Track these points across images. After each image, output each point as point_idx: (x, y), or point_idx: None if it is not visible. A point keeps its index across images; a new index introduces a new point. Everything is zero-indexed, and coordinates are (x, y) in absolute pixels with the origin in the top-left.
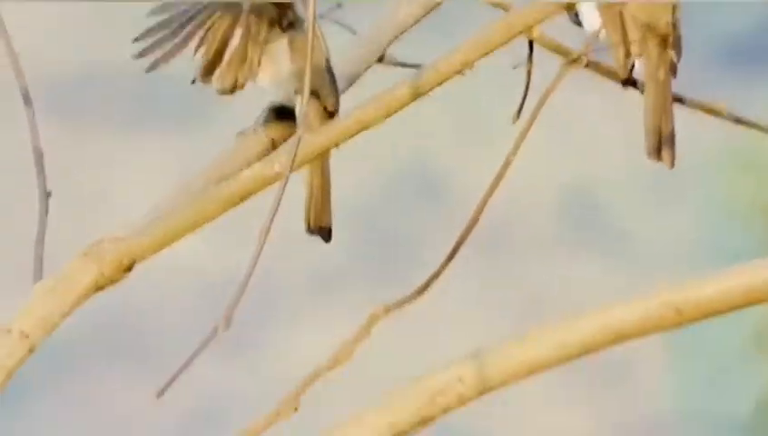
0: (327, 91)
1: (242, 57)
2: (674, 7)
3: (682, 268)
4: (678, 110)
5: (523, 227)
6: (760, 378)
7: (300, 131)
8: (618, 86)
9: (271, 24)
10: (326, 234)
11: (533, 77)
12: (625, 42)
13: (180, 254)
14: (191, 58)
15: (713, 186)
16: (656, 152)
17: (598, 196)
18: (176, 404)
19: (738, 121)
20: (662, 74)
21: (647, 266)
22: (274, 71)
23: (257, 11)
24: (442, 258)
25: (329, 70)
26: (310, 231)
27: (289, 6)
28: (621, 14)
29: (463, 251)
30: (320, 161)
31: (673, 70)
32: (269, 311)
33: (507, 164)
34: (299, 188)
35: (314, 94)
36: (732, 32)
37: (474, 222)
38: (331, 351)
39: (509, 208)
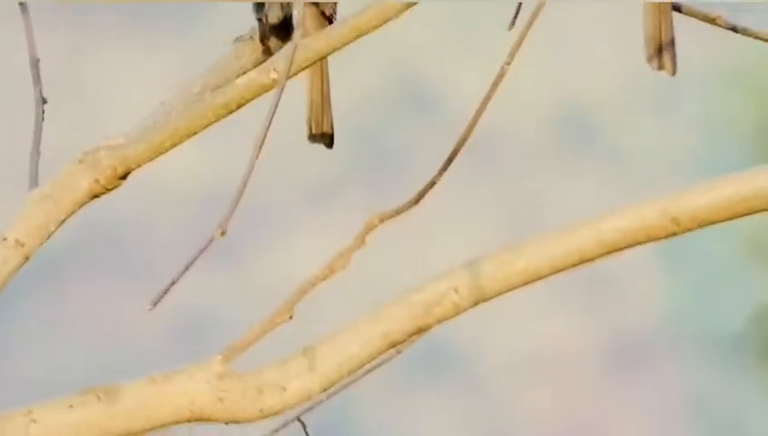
0: None
1: None
2: None
3: (677, 182)
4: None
5: (517, 140)
6: (751, 288)
7: (296, 37)
8: None
9: None
10: (328, 141)
11: None
12: None
13: (173, 164)
14: None
15: (707, 100)
16: (657, 58)
17: (593, 110)
18: (170, 315)
19: (734, 29)
20: None
21: (642, 180)
22: None
23: None
24: (437, 168)
25: None
26: (313, 137)
27: None
28: None
29: (457, 162)
30: (320, 66)
31: None
32: (264, 221)
33: (501, 74)
34: (294, 97)
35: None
36: None
37: (469, 132)
38: (326, 260)
39: (503, 120)
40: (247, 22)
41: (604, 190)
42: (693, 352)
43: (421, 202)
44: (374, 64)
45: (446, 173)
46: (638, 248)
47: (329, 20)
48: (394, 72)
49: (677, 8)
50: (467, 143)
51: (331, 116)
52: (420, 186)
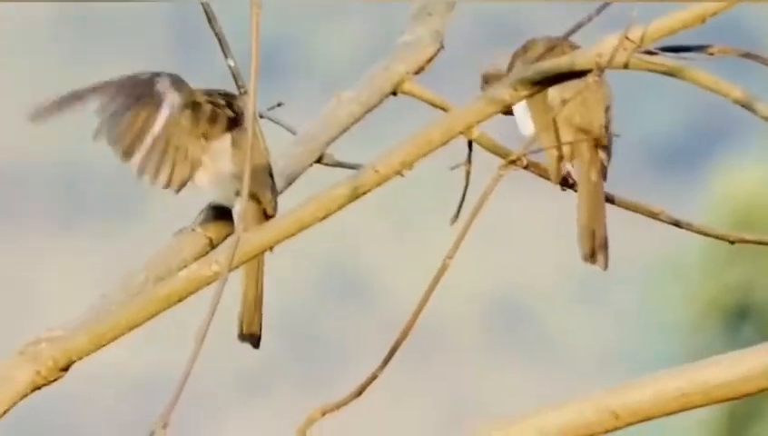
0: (266, 193)
1: (184, 154)
2: (607, 109)
3: (607, 374)
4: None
5: (450, 331)
6: None
7: (238, 230)
8: (555, 188)
9: (212, 120)
10: (256, 341)
11: (471, 178)
12: (558, 145)
13: (104, 353)
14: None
15: (639, 294)
16: (590, 254)
17: (527, 303)
18: None
19: (677, 224)
20: (594, 175)
21: (573, 371)
22: (215, 170)
23: (192, 106)
24: (373, 360)
25: (269, 172)
26: (242, 337)
27: (231, 102)
28: (554, 118)
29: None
30: (255, 269)
31: (603, 172)
32: (196, 412)
33: (443, 268)
34: (235, 289)
35: (253, 195)
36: (654, 135)
37: (411, 324)
38: None
39: (436, 312)
40: (177, 216)
41: (538, 380)
42: None
43: (362, 393)
44: (310, 251)
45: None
46: None
47: (270, 216)
48: (330, 260)
49: (611, 200)
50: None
51: (261, 317)
52: (354, 377)
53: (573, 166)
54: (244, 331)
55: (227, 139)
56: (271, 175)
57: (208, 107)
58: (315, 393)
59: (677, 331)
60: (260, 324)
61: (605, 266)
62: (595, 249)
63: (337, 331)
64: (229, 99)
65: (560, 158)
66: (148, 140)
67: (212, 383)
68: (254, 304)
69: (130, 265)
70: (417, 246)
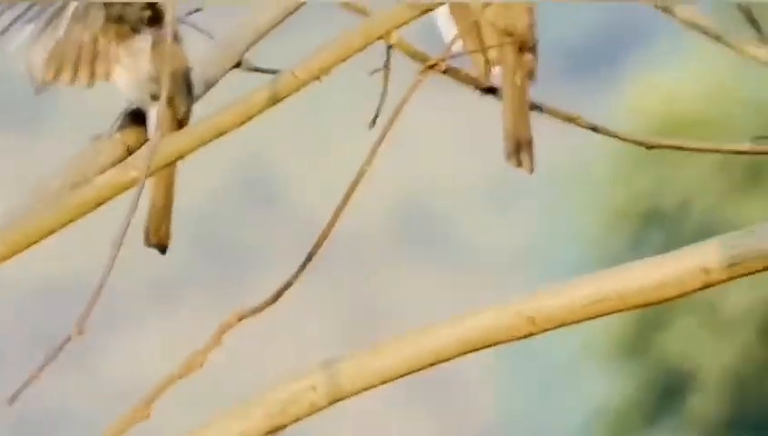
0: (181, 99)
1: (99, 52)
2: (531, 11)
3: (519, 280)
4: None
5: (365, 238)
6: (589, 391)
7: (155, 136)
8: (473, 94)
9: (135, 23)
10: (163, 249)
11: (389, 84)
12: (483, 48)
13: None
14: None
15: (552, 201)
16: (516, 156)
17: (440, 208)
18: (17, 414)
19: (594, 129)
20: (519, 79)
21: (486, 278)
22: (133, 70)
23: (118, 16)
24: (285, 267)
25: (187, 77)
26: (148, 243)
27: (152, 4)
28: (477, 21)
29: (300, 261)
30: (167, 176)
31: (530, 75)
32: (110, 319)
33: (361, 174)
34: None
35: (170, 100)
36: (569, 39)
37: (327, 231)
38: (179, 359)
39: (352, 219)
40: (95, 120)
41: (452, 287)
42: None
43: (278, 299)
44: (224, 157)
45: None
46: (496, 346)
47: (185, 122)
48: (244, 166)
49: (537, 108)
50: (325, 241)
51: (169, 226)
52: (268, 283)
53: (499, 68)
54: (151, 239)
55: (147, 39)
56: (189, 81)
57: (127, 7)
58: (229, 301)
59: (588, 236)
60: (168, 232)
61: (531, 169)
62: (521, 152)
63: (252, 239)
64: (149, 1)
65: (487, 62)
66: (57, 35)
67: (127, 291)
68: (163, 211)
69: (42, 172)
70: (334, 153)
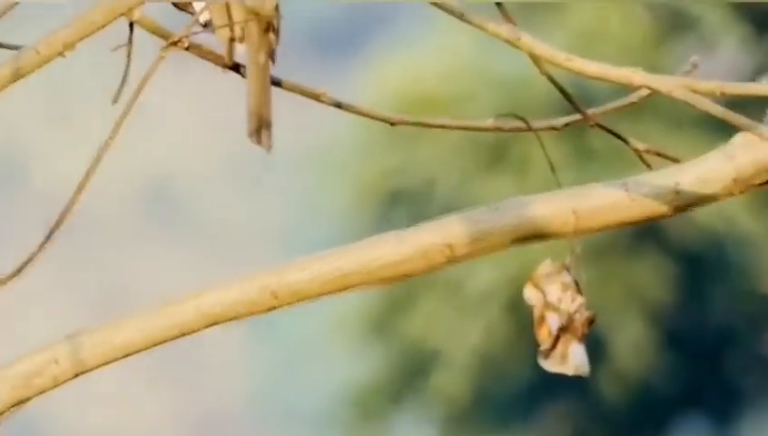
0: None
1: None
2: None
3: (267, 256)
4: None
5: (109, 215)
6: (336, 367)
7: None
8: (216, 71)
9: None
10: None
11: (132, 61)
12: (231, 25)
13: None
14: None
15: (299, 179)
16: (257, 134)
17: (183, 186)
18: None
19: (338, 105)
20: (262, 57)
21: (232, 254)
22: None
23: None
24: (27, 243)
25: None
26: None
27: None
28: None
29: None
30: None
31: (271, 55)
32: None
33: (104, 148)
34: None
35: None
36: (316, 18)
37: (70, 206)
38: None
39: (96, 197)
40: None
41: (198, 265)
42: (280, 430)
43: (19, 275)
44: None
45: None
46: (239, 320)
47: None
48: None
49: (278, 84)
50: (66, 217)
51: None
52: (14, 261)
53: (243, 46)
54: None
55: None
56: None
57: None
58: None
59: (334, 215)
60: None
61: (270, 147)
62: (261, 129)
63: None
64: None
65: (232, 39)
66: None
67: None
68: None
69: None
70: (76, 130)
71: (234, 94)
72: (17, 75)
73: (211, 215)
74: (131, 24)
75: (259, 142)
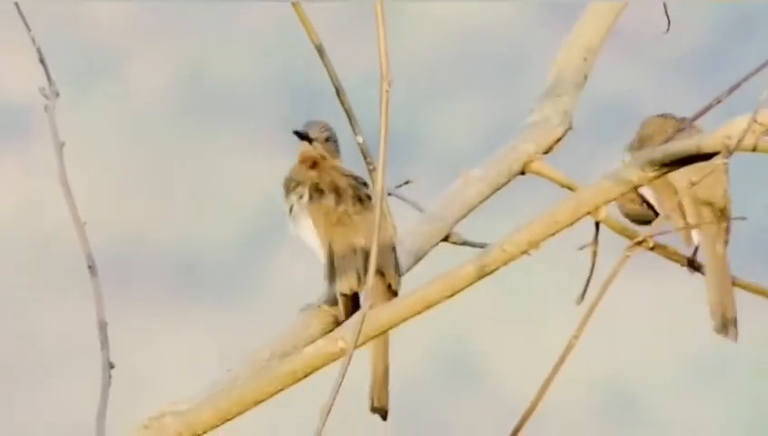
0: (391, 269)
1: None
2: (726, 180)
3: None
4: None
5: (561, 419)
6: None
7: (364, 307)
8: (680, 271)
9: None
10: (384, 414)
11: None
12: (684, 218)
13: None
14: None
15: (753, 381)
16: (723, 327)
17: (640, 390)
18: None
19: None
20: (720, 248)
21: None
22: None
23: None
24: None
25: (394, 249)
26: (374, 410)
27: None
28: (677, 192)
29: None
30: (383, 344)
31: (726, 244)
32: None
33: (570, 347)
34: (358, 367)
35: (379, 271)
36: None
37: (534, 406)
38: None
39: (551, 396)
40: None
41: None
42: None
43: None
44: (428, 332)
45: None
46: None
47: (395, 293)
48: (444, 341)
49: (734, 282)
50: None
51: (388, 391)
52: None
53: (699, 237)
54: (375, 405)
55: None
56: (395, 252)
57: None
58: None
59: None
60: (388, 397)
61: (736, 338)
62: (727, 321)
63: (451, 416)
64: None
65: (687, 226)
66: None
67: None
68: (383, 379)
69: (246, 342)
70: (536, 329)
71: (696, 293)
72: (482, 273)
73: (665, 418)
74: (597, 224)
75: (725, 334)
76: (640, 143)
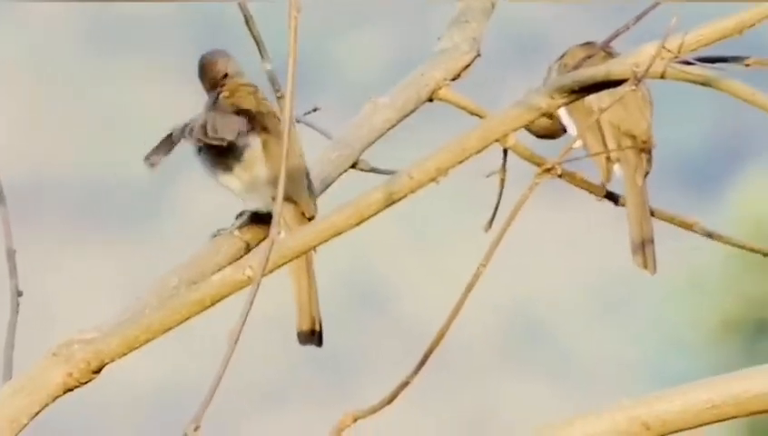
0: (304, 195)
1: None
2: (649, 113)
3: (626, 390)
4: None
5: (471, 342)
6: None
7: (272, 234)
8: (587, 198)
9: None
10: (317, 340)
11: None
12: (605, 148)
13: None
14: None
15: (659, 309)
16: (642, 257)
17: (546, 313)
18: None
19: (710, 236)
20: (639, 179)
21: (592, 387)
22: (249, 177)
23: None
24: (391, 373)
25: (307, 174)
26: (302, 336)
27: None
28: (598, 121)
29: (406, 366)
30: (304, 270)
31: (646, 176)
32: (223, 420)
33: (477, 275)
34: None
35: (291, 199)
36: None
37: (444, 332)
38: None
39: (459, 321)
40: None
41: (557, 394)
42: None
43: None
44: (336, 263)
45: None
46: None
47: (310, 219)
48: (353, 268)
49: (651, 213)
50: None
51: (319, 314)
52: (377, 392)
53: (619, 168)
54: (304, 328)
55: (259, 142)
56: (309, 177)
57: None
58: (336, 407)
59: (697, 346)
60: (320, 322)
61: (654, 269)
62: (644, 251)
63: (358, 346)
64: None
65: (608, 160)
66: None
67: (235, 393)
68: (308, 304)
69: (157, 269)
70: (444, 257)
71: (606, 222)
72: (390, 200)
73: (572, 345)
74: (505, 151)
75: (644, 264)
76: (560, 72)
